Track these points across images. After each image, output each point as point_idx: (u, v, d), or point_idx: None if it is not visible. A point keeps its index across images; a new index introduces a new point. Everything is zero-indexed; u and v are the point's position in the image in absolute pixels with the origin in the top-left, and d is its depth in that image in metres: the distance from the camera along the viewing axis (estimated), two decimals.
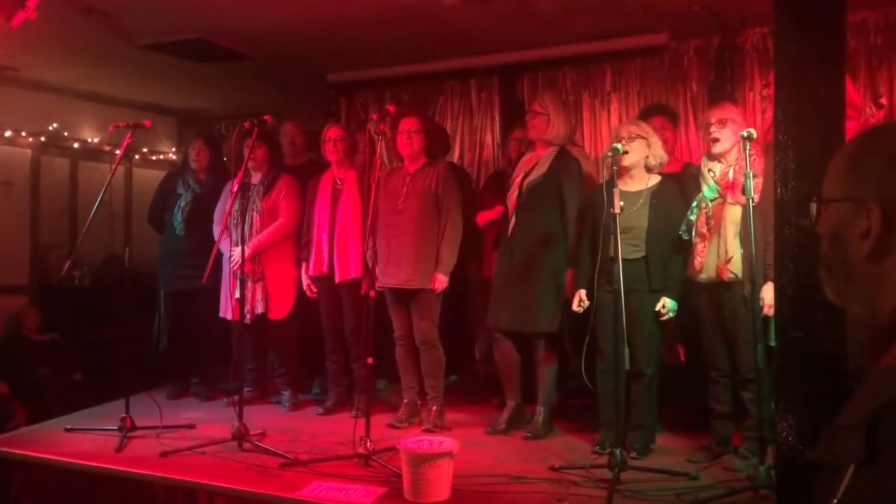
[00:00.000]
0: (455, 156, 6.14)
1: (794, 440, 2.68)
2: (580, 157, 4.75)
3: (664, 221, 3.90)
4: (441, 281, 4.39)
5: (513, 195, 4.32)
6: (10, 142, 6.81)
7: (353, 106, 6.75)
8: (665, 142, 4.53)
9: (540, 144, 4.36)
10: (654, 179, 3.99)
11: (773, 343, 3.30)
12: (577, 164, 4.33)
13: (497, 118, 6.22)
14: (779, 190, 2.75)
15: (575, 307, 4.01)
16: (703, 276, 3.76)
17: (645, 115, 4.75)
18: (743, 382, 3.70)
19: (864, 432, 0.84)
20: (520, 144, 4.91)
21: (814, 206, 1.09)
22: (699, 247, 3.76)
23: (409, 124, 4.49)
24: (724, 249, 3.68)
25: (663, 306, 3.82)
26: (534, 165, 4.31)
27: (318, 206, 4.83)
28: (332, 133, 4.84)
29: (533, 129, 4.33)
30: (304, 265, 4.90)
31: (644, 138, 3.92)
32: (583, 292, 3.98)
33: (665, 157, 4.04)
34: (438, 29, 5.30)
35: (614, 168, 3.67)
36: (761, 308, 3.50)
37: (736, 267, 3.66)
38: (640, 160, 3.93)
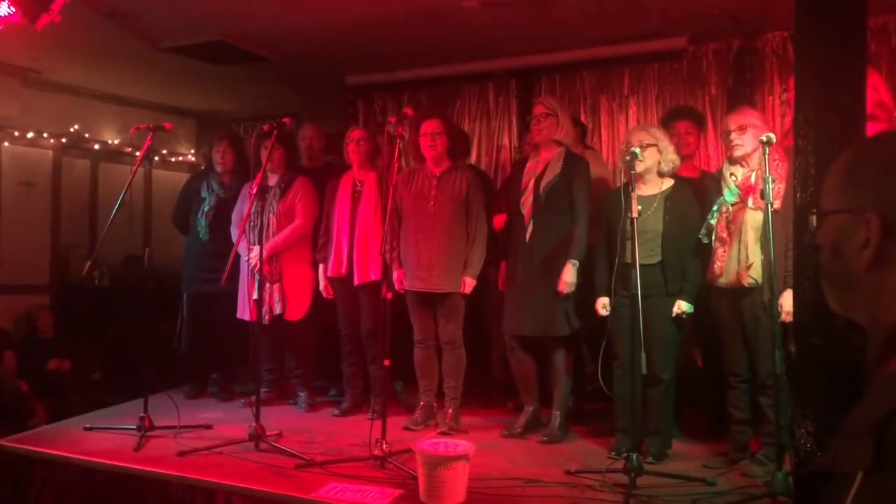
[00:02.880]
0: (472, 158, 6.15)
1: (812, 447, 2.66)
2: (596, 161, 4.75)
3: (679, 225, 3.88)
4: (470, 284, 4.40)
5: (528, 200, 4.29)
6: (33, 143, 6.90)
7: (371, 109, 6.77)
8: (686, 146, 4.52)
9: (545, 147, 4.33)
10: (668, 183, 3.98)
11: (792, 349, 3.28)
12: (585, 164, 4.33)
13: (514, 121, 6.22)
14: (798, 195, 2.74)
15: (600, 312, 3.99)
16: (722, 281, 3.74)
17: (671, 117, 4.71)
18: (761, 388, 3.68)
19: (871, 439, 0.85)
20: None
21: (813, 219, 1.09)
22: (719, 251, 3.74)
23: (431, 126, 4.48)
24: (744, 255, 3.66)
25: (679, 309, 3.81)
26: (544, 168, 4.29)
27: (337, 207, 4.85)
28: (355, 134, 4.87)
29: (541, 132, 4.30)
30: (322, 266, 4.91)
31: (655, 145, 3.91)
32: (606, 300, 3.96)
33: (678, 161, 4.02)
34: (457, 32, 5.31)
35: (632, 172, 3.67)
36: (780, 314, 3.48)
37: (756, 273, 3.63)
38: (652, 166, 3.92)
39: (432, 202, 4.45)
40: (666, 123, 4.63)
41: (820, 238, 1.08)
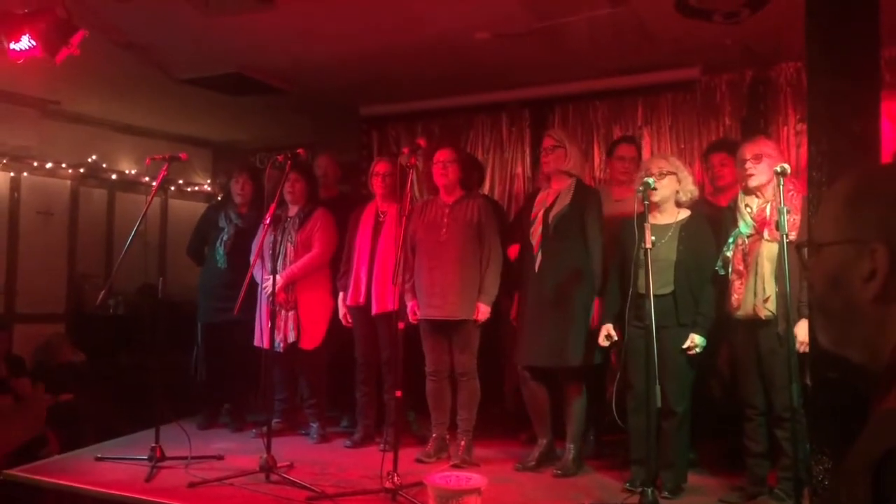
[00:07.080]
0: (486, 188, 6.16)
1: (829, 482, 2.61)
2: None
3: (693, 255, 3.85)
4: (484, 311, 4.38)
5: (537, 231, 4.29)
6: (51, 173, 6.97)
7: (385, 139, 6.80)
8: (721, 178, 4.50)
9: (556, 179, 4.35)
10: (684, 213, 3.96)
11: (808, 382, 3.24)
12: (597, 195, 4.35)
13: (528, 151, 6.23)
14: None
15: (602, 342, 3.98)
16: (739, 313, 3.70)
17: (708, 151, 4.77)
18: (778, 421, 3.62)
19: (870, 479, 0.82)
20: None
21: (805, 251, 1.07)
22: (736, 283, 3.70)
23: (443, 155, 4.52)
24: (761, 287, 3.63)
25: (692, 342, 3.77)
26: (554, 199, 4.30)
27: (359, 236, 4.86)
28: (381, 168, 4.87)
29: (549, 164, 4.34)
30: (341, 294, 4.91)
31: (674, 174, 3.90)
32: (610, 327, 3.95)
33: (696, 192, 4.01)
34: (470, 63, 5.35)
35: (646, 203, 3.66)
36: (795, 344, 3.43)
37: (773, 305, 3.59)
38: (670, 196, 3.91)
39: (444, 230, 4.46)
40: (705, 158, 4.70)
41: (816, 270, 1.06)
